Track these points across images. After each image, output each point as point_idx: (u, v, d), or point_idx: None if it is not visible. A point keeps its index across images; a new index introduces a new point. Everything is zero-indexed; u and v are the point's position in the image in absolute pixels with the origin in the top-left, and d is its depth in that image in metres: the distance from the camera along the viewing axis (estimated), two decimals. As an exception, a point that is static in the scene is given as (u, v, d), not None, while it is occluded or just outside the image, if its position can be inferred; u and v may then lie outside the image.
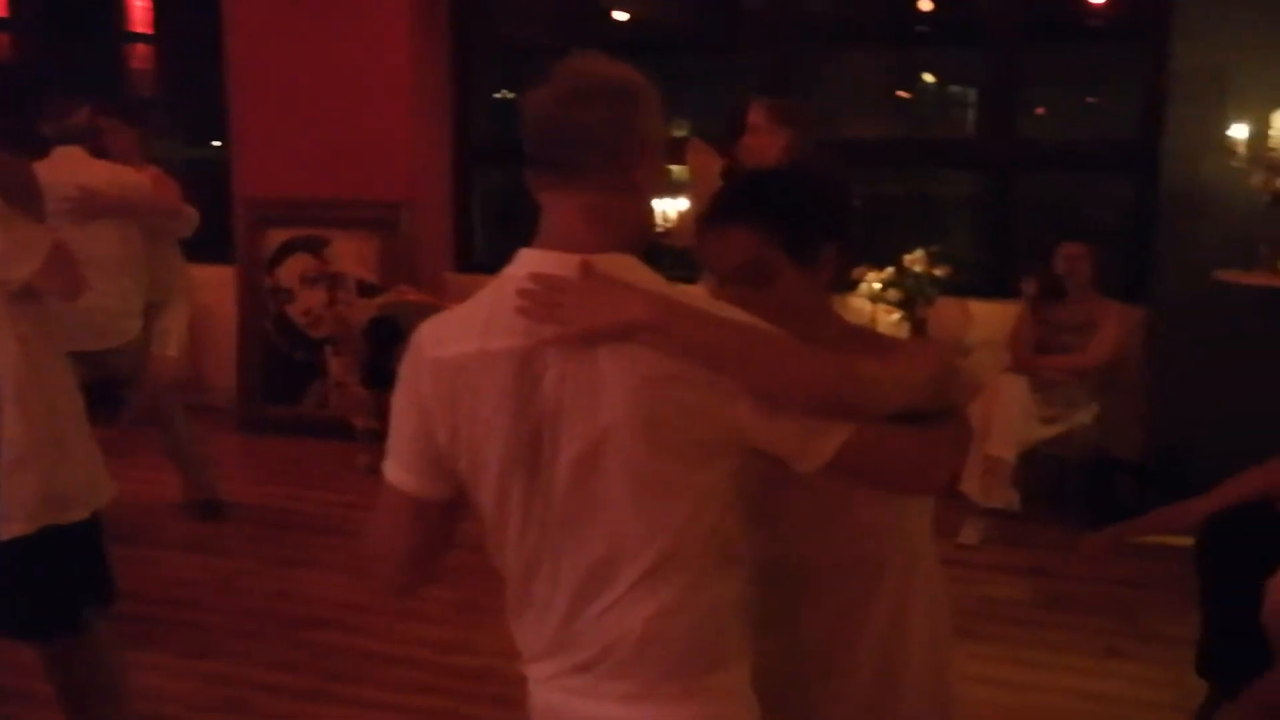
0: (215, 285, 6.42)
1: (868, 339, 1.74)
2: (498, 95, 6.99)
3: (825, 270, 1.63)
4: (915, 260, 5.47)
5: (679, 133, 5.57)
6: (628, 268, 1.43)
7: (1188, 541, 3.27)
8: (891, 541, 1.67)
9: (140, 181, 4.61)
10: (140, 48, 7.82)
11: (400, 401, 1.51)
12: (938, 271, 5.47)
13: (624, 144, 1.43)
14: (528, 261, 1.45)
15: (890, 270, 5.43)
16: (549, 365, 1.40)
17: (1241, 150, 4.85)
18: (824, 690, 1.67)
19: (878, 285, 5.40)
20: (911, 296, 5.40)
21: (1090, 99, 6.70)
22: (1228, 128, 4.91)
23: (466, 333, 1.45)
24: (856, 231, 1.73)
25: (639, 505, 1.41)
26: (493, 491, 1.46)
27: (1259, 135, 4.83)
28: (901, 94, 7.00)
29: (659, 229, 5.05)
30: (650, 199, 1.53)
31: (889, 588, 1.67)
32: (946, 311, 5.44)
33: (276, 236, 6.50)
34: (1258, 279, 4.84)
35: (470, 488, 1.50)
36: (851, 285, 5.42)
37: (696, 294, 1.48)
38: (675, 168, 4.82)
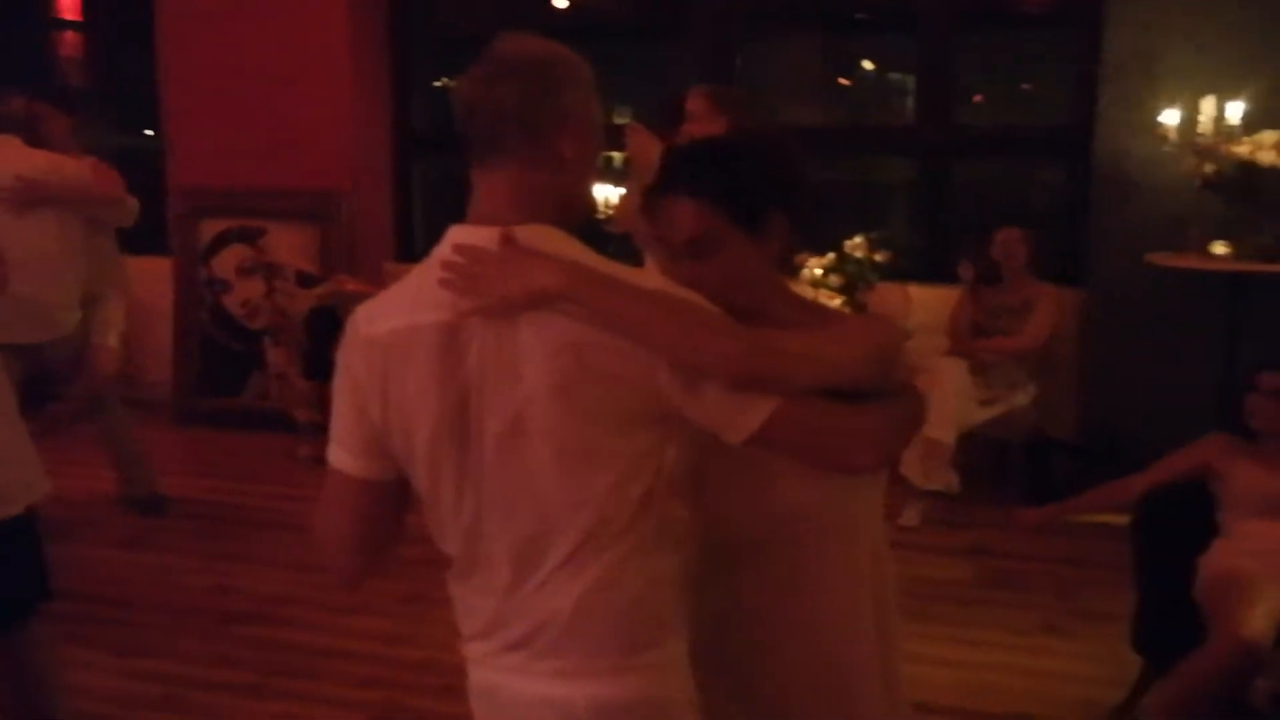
0: (149, 277, 6.30)
1: (816, 312, 1.69)
2: (438, 83, 6.93)
3: (774, 240, 1.59)
4: (856, 246, 5.50)
5: (619, 120, 5.56)
6: (549, 238, 1.43)
7: (1124, 520, 3.33)
8: (830, 518, 1.60)
9: (80, 170, 4.51)
10: (69, 35, 7.65)
11: (338, 383, 1.52)
12: (878, 257, 5.51)
13: (545, 119, 1.44)
14: (454, 236, 1.46)
15: (831, 256, 5.47)
16: (473, 337, 1.41)
17: (1172, 135, 4.94)
18: (758, 666, 1.62)
19: (819, 271, 5.43)
20: (852, 282, 5.44)
21: (1025, 86, 6.77)
22: (1159, 113, 4.99)
23: (396, 309, 1.47)
24: (808, 204, 1.65)
25: (563, 476, 1.40)
26: (425, 467, 1.47)
27: (1189, 120, 4.92)
28: (841, 81, 7.04)
29: (600, 215, 5.04)
30: (583, 174, 1.51)
31: (828, 566, 1.61)
32: (887, 296, 5.48)
33: (212, 227, 6.41)
34: (1188, 262, 4.93)
35: (405, 464, 1.50)
36: (794, 271, 5.44)
37: (623, 268, 1.45)
38: (616, 154, 4.80)
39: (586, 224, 1.57)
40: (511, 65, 1.45)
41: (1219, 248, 4.88)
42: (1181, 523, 3.20)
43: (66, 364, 4.57)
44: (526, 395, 1.39)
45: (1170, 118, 4.95)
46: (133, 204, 4.77)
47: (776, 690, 1.63)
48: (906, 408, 1.57)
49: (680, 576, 1.50)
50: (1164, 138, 4.96)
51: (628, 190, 4.52)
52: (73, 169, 4.49)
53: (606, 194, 5.26)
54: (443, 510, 1.48)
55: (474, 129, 1.46)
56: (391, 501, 1.55)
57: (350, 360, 1.50)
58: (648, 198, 1.60)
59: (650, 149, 4.47)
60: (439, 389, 1.43)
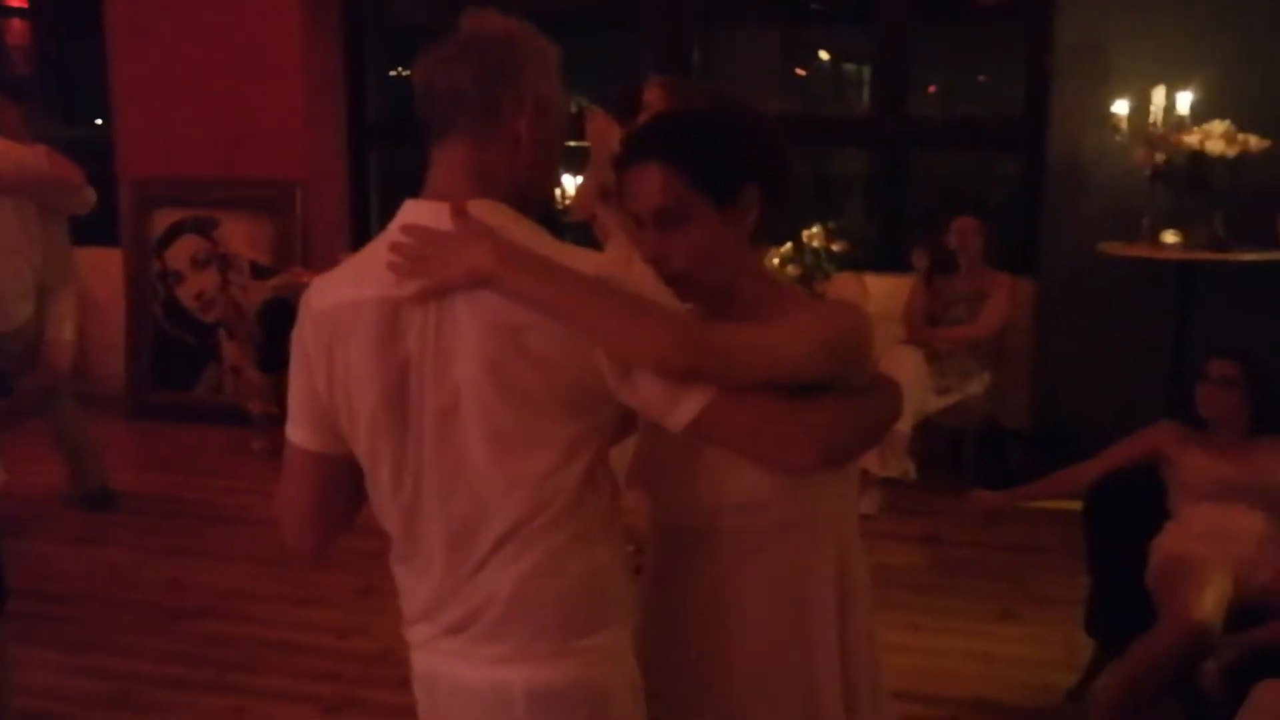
0: (100, 268, 6.21)
1: (785, 295, 1.59)
2: (393, 74, 6.88)
3: (747, 215, 1.52)
4: (813, 236, 5.53)
5: (577, 105, 5.54)
6: (496, 213, 1.42)
7: (1076, 506, 3.37)
8: (786, 513, 1.52)
9: (36, 158, 4.44)
10: (15, 23, 7.52)
11: (293, 358, 1.53)
12: (835, 247, 5.53)
13: (502, 98, 1.43)
14: (406, 212, 1.46)
15: (788, 246, 5.48)
16: (414, 315, 1.40)
17: (1124, 125, 4.98)
18: (712, 658, 1.57)
19: (776, 260, 5.45)
20: (810, 272, 5.46)
21: (980, 77, 6.82)
22: (1110, 103, 5.04)
23: (344, 282, 1.48)
24: (787, 184, 1.57)
25: (497, 459, 1.39)
26: (366, 443, 1.46)
27: (1140, 110, 4.97)
28: (798, 72, 7.05)
29: (558, 206, 5.02)
30: (542, 157, 1.49)
31: (779, 562, 1.54)
32: (843, 286, 5.50)
33: (164, 218, 6.33)
34: (1139, 251, 4.99)
35: (350, 440, 1.49)
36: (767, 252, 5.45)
37: (572, 250, 1.42)
38: (571, 142, 4.77)
39: (545, 214, 1.54)
40: (470, 44, 1.44)
41: (1170, 237, 4.94)
42: (1133, 508, 3.24)
43: (20, 358, 4.49)
44: (462, 376, 1.38)
45: (1121, 108, 5.00)
46: (90, 193, 4.70)
47: (728, 684, 1.57)
48: (872, 402, 1.51)
49: (624, 563, 1.49)
50: (1115, 128, 5.01)
51: (586, 178, 4.49)
52: (28, 156, 4.42)
53: (564, 182, 5.23)
54: (383, 488, 1.48)
55: (431, 108, 1.45)
56: (345, 477, 1.54)
57: (302, 334, 1.50)
58: (616, 166, 1.56)
59: (610, 134, 4.44)
60: (379, 365, 1.42)
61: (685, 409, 1.37)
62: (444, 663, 1.49)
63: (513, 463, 1.39)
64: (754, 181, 1.52)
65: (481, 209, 1.41)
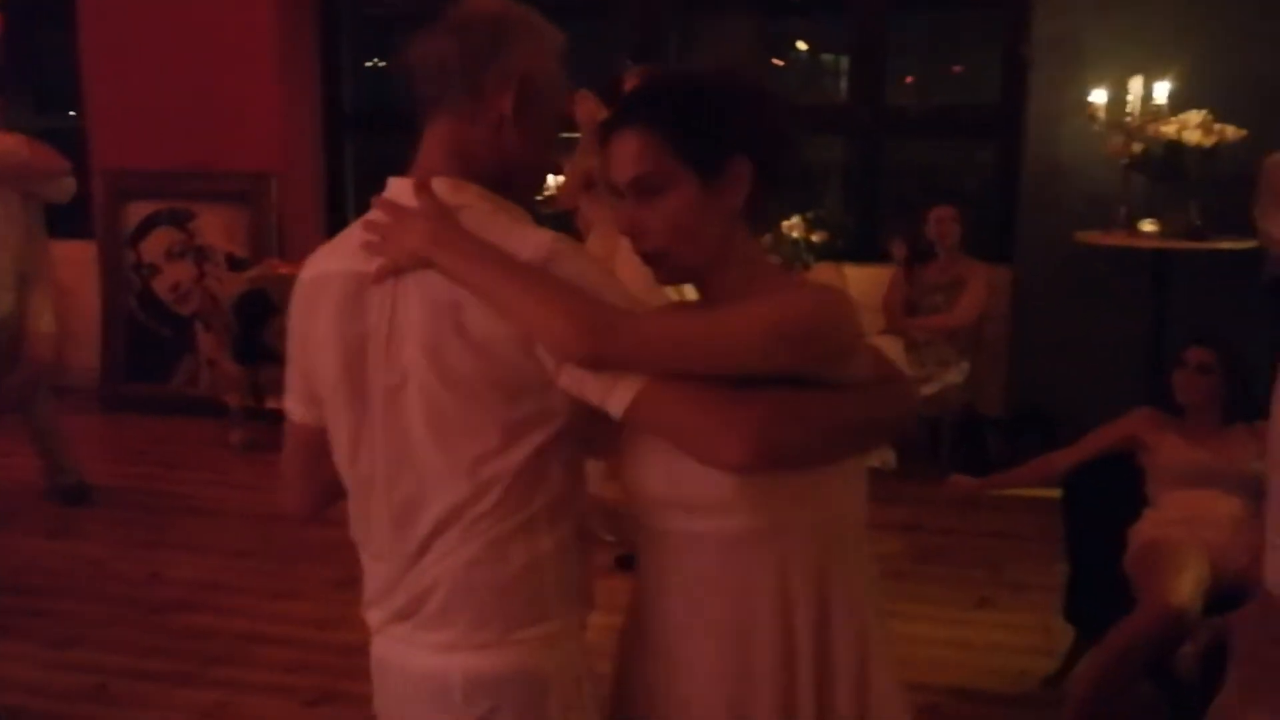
0: (74, 261, 6.16)
1: (769, 280, 1.45)
2: (369, 64, 6.84)
3: (734, 191, 1.39)
4: (793, 226, 5.53)
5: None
6: (459, 192, 1.41)
7: (1054, 493, 3.39)
8: (751, 519, 1.39)
9: (17, 146, 4.41)
10: (-14, 13, 7.42)
11: (288, 330, 1.57)
12: (814, 237, 5.54)
13: (488, 76, 1.42)
14: (388, 188, 1.46)
15: (767, 236, 5.48)
16: (375, 292, 1.41)
17: (1100, 115, 5.01)
18: (673, 659, 1.46)
19: (755, 251, 5.45)
20: (789, 262, 5.46)
21: (956, 67, 6.83)
22: (1087, 93, 5.06)
23: (329, 255, 1.50)
24: (785, 161, 1.44)
25: (438, 441, 1.38)
26: (329, 414, 1.49)
27: (1117, 100, 4.99)
28: (775, 62, 7.05)
29: (539, 196, 4.99)
30: (530, 138, 1.46)
31: (733, 573, 1.41)
32: (823, 276, 5.51)
33: (138, 210, 6.28)
34: (1115, 239, 5.01)
35: (320, 410, 1.52)
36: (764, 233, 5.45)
37: (531, 231, 1.38)
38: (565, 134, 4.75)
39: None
40: (461, 21, 1.43)
41: (1146, 226, 4.97)
42: (1110, 495, 3.25)
43: (3, 353, 4.45)
44: (408, 356, 1.38)
45: (1098, 97, 5.02)
46: (70, 181, 4.67)
47: (684, 686, 1.46)
48: (853, 398, 1.38)
49: (574, 554, 1.45)
50: (1092, 118, 5.03)
51: (571, 165, 4.47)
52: (10, 145, 4.40)
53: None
54: (343, 462, 1.49)
55: (419, 84, 1.44)
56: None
57: (292, 304, 1.53)
58: (600, 139, 1.47)
59: (599, 116, 4.41)
60: (339, 338, 1.44)
61: (618, 397, 1.32)
62: (393, 648, 1.49)
63: (452, 445, 1.38)
64: (744, 155, 1.39)
65: (444, 187, 1.40)
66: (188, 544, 4.44)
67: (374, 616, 1.52)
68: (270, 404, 5.39)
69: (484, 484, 1.38)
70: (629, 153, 1.39)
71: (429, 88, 1.44)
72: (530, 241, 1.36)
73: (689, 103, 1.39)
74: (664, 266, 1.43)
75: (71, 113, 6.70)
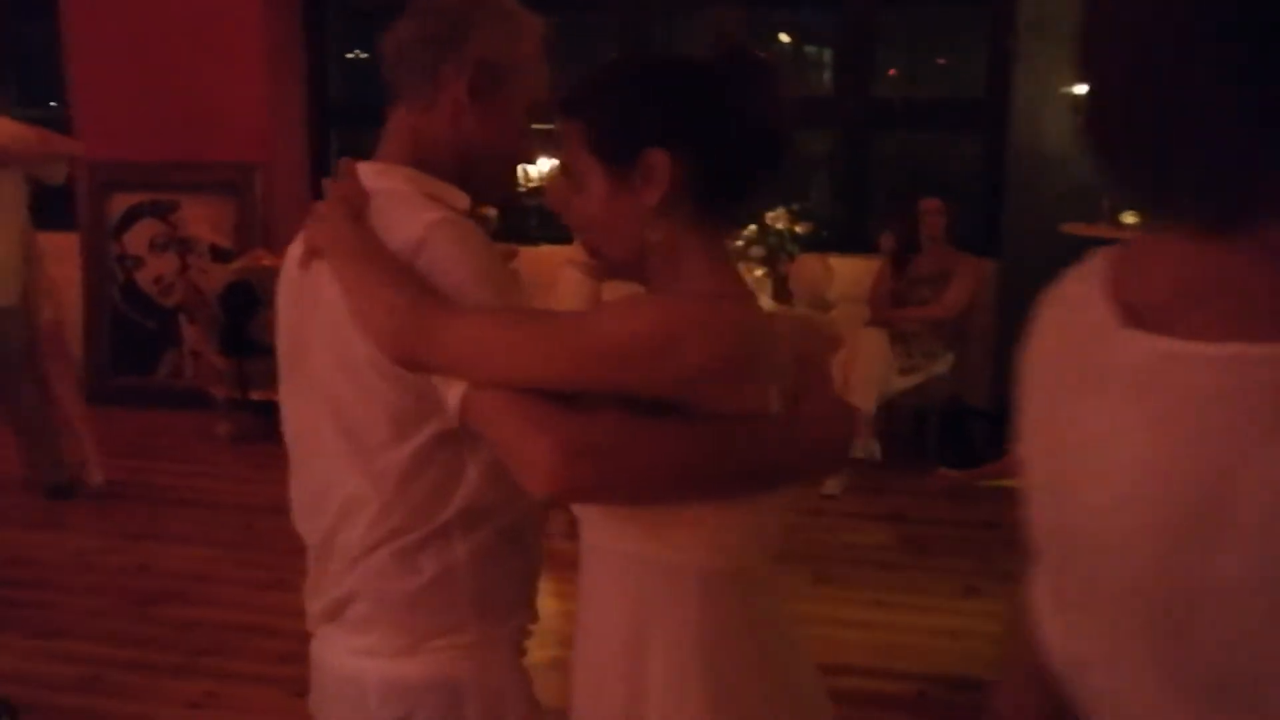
0: (57, 252, 6.07)
1: (695, 284, 1.28)
2: (353, 54, 6.82)
3: (650, 185, 1.25)
4: (777, 218, 5.54)
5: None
6: (384, 177, 1.41)
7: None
8: (631, 543, 1.27)
9: (21, 130, 4.43)
10: (-34, 3, 7.37)
11: None
12: (799, 229, 5.56)
13: (445, 62, 1.41)
14: (340, 172, 1.48)
15: (753, 228, 5.50)
16: (303, 275, 1.42)
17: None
18: (577, 689, 1.38)
19: (740, 243, 5.46)
20: (774, 253, 5.48)
21: (941, 60, 6.86)
22: (1072, 85, 5.09)
23: (296, 240, 1.51)
24: (736, 153, 1.27)
25: (338, 426, 1.37)
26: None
27: (1100, 92, 5.01)
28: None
29: (521, 187, 4.99)
30: (491, 123, 1.43)
31: (596, 598, 1.33)
32: (807, 267, 5.53)
33: (122, 201, 6.24)
34: (1100, 231, 5.04)
35: None
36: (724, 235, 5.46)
37: (409, 221, 1.34)
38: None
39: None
40: (425, 6, 1.43)
41: (1129, 217, 5.00)
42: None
43: (20, 335, 4.47)
44: (318, 339, 1.40)
45: (1083, 90, 5.03)
46: (64, 165, 4.69)
47: (575, 698, 1.38)
48: (717, 434, 1.20)
49: (499, 561, 1.42)
50: (1077, 109, 5.05)
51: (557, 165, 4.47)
52: (14, 129, 4.43)
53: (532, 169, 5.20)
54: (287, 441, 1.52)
55: (386, 69, 1.45)
56: None
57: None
58: None
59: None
60: (283, 320, 1.47)
61: (450, 399, 1.26)
62: (320, 646, 1.50)
63: (348, 431, 1.36)
64: (662, 149, 1.24)
65: (371, 171, 1.41)
66: (175, 536, 4.44)
67: (309, 609, 1.52)
68: (256, 395, 5.39)
69: (378, 475, 1.35)
70: (563, 144, 1.32)
71: (391, 72, 1.44)
72: (412, 224, 1.32)
73: (603, 94, 1.31)
74: (598, 260, 1.36)
75: (54, 104, 6.67)
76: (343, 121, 6.61)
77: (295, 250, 1.45)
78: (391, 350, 1.26)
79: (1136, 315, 0.73)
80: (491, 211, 5.20)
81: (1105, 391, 0.73)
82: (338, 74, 6.64)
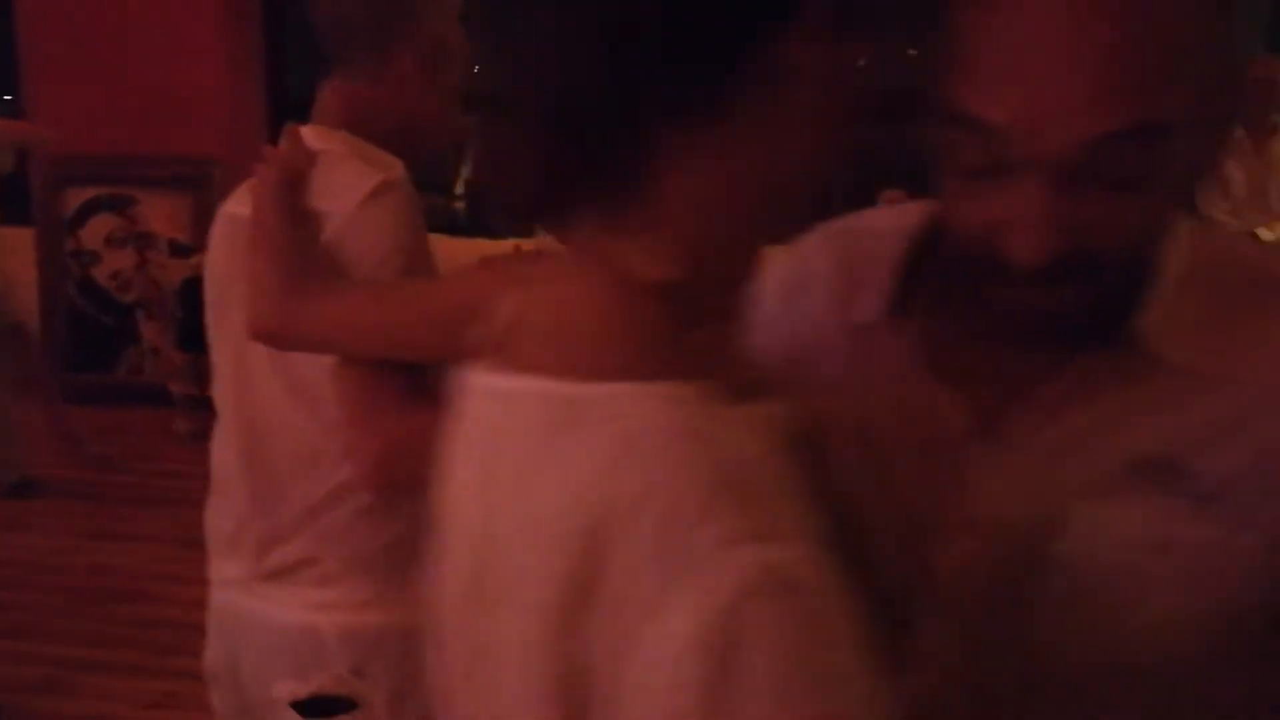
0: (10, 248, 6.01)
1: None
2: (315, 48, 6.76)
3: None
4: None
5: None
6: (325, 140, 1.43)
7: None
8: None
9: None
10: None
11: None
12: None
13: (390, 33, 1.42)
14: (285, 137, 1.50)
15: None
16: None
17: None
18: None
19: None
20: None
21: (909, 51, 6.90)
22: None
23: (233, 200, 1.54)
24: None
25: (281, 382, 1.38)
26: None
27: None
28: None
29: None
30: (441, 98, 1.47)
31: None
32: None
33: (78, 195, 6.16)
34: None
35: None
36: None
37: (330, 190, 1.38)
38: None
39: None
40: None
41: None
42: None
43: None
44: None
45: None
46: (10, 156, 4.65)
47: None
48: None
49: None
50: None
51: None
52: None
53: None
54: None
55: (324, 39, 1.47)
56: None
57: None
58: None
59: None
60: (210, 277, 1.51)
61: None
62: (254, 604, 1.48)
63: (288, 379, 1.38)
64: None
65: (313, 134, 1.43)
66: (135, 534, 4.39)
67: (228, 569, 1.50)
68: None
69: (329, 424, 1.33)
70: None
71: (331, 45, 1.46)
72: (348, 188, 1.35)
73: None
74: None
75: (8, 96, 6.58)
76: (304, 115, 6.52)
77: (233, 207, 1.49)
78: (252, 330, 1.29)
79: None
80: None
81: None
82: (298, 68, 6.58)
